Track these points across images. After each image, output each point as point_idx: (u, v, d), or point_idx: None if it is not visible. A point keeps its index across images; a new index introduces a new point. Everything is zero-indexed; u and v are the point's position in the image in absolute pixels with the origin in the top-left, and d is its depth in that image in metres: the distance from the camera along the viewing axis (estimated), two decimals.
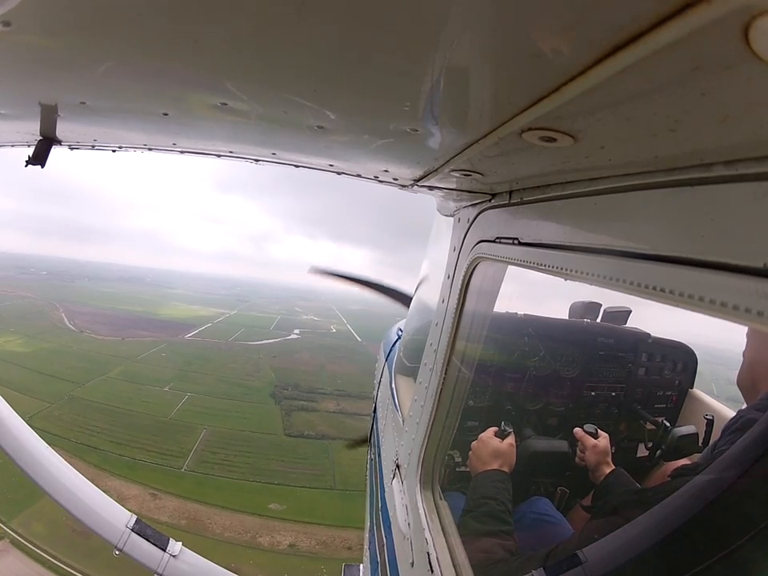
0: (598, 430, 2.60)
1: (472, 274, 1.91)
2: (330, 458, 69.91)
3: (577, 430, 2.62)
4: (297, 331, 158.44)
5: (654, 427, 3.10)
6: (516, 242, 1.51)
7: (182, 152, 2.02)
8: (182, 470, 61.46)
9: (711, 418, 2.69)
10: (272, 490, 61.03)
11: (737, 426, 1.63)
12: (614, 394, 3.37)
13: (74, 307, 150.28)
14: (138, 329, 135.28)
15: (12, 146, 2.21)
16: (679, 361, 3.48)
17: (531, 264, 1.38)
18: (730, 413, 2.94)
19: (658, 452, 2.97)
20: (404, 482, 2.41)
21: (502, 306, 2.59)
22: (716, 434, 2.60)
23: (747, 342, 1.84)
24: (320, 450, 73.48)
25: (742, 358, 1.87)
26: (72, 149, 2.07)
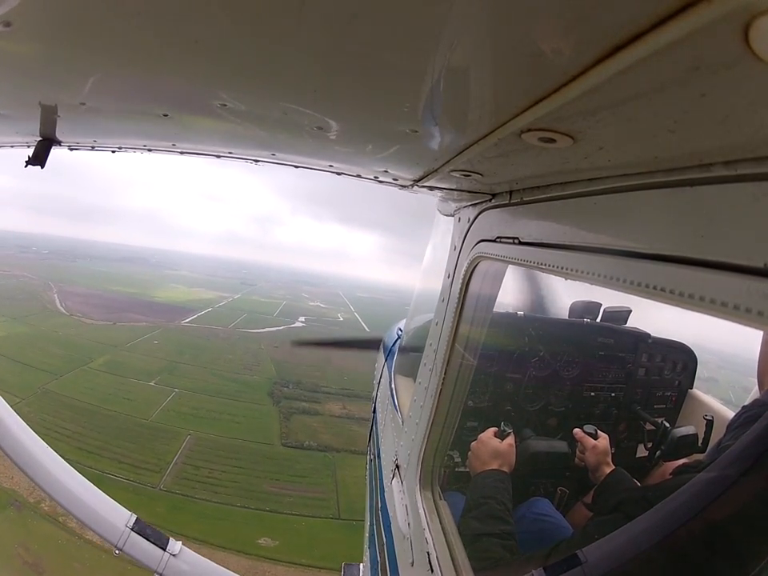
0: (598, 431, 2.60)
1: (472, 273, 1.91)
2: (333, 476, 57.68)
3: (576, 430, 2.62)
4: (302, 319, 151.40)
5: (653, 427, 3.10)
6: (516, 241, 1.51)
7: (181, 153, 2.02)
8: (157, 489, 50.23)
9: (711, 418, 2.70)
10: (263, 519, 49.20)
11: (740, 422, 1.63)
12: (613, 394, 3.37)
13: (70, 288, 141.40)
14: (132, 312, 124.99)
15: (12, 146, 2.21)
16: (679, 361, 3.48)
17: (531, 263, 1.38)
18: (730, 413, 2.94)
19: (658, 452, 2.97)
20: (404, 482, 2.41)
21: (502, 305, 2.59)
22: (716, 435, 2.61)
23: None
24: (322, 466, 61.07)
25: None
26: (72, 149, 2.07)
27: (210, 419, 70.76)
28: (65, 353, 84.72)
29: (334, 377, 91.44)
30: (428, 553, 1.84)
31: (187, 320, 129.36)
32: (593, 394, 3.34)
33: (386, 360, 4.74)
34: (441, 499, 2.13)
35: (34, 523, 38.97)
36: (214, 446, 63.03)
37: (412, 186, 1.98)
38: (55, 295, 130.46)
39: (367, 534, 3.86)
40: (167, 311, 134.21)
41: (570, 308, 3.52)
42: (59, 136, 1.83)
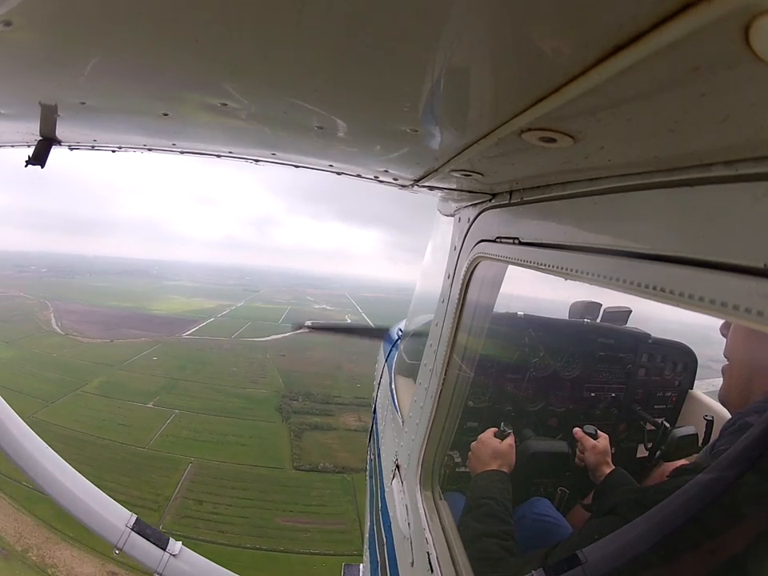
0: (598, 431, 2.61)
1: (472, 273, 1.91)
2: (354, 502, 49.47)
3: (576, 430, 2.62)
4: (308, 323, 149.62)
5: (653, 428, 3.11)
6: (516, 241, 1.51)
7: (181, 152, 2.02)
8: None
9: (711, 418, 2.70)
10: (277, 561, 42.47)
11: (735, 426, 1.63)
12: (613, 394, 3.37)
13: (67, 306, 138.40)
14: (131, 327, 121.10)
15: (12, 146, 2.21)
16: (679, 361, 3.48)
17: (531, 263, 1.38)
18: (729, 414, 2.94)
19: (658, 452, 2.97)
20: (404, 483, 2.41)
21: (502, 305, 2.59)
22: (715, 435, 2.60)
23: (731, 360, 1.82)
24: (340, 490, 53.71)
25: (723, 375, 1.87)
26: (72, 149, 2.07)
27: (214, 443, 64.35)
28: (58, 376, 79.74)
29: (346, 385, 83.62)
30: (428, 553, 1.84)
31: (188, 332, 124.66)
32: (593, 394, 3.34)
33: (386, 361, 4.74)
34: (441, 499, 2.13)
35: (22, 574, 36.32)
36: (219, 474, 56.50)
37: (412, 185, 1.98)
38: (51, 314, 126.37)
39: (367, 535, 3.86)
40: (167, 324, 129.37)
41: (570, 308, 3.53)
42: (59, 135, 1.83)
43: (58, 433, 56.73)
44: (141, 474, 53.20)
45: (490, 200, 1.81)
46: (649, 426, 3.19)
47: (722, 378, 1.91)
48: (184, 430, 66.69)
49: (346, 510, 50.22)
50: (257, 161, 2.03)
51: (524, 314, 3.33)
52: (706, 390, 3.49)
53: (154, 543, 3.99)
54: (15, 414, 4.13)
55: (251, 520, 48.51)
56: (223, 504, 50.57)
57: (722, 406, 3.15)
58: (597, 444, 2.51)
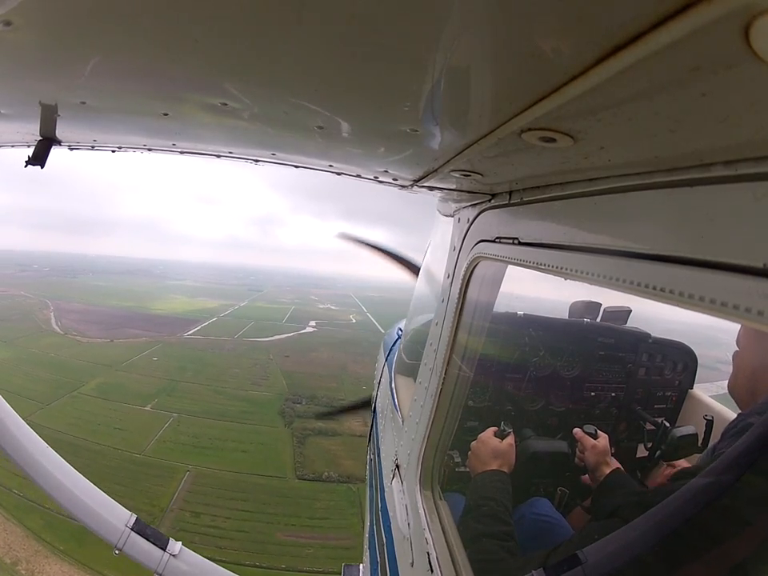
0: (598, 431, 2.61)
1: (472, 273, 1.91)
2: (359, 515, 45.18)
3: (576, 430, 2.62)
4: (312, 323, 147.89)
5: (653, 427, 3.11)
6: (516, 241, 1.51)
7: (181, 152, 2.02)
8: None
9: (711, 418, 2.70)
10: None
11: (737, 429, 1.63)
12: (613, 394, 3.37)
13: (68, 305, 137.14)
14: (132, 327, 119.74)
15: (12, 146, 2.21)
16: (679, 361, 3.49)
17: (531, 264, 1.38)
18: (729, 413, 2.94)
19: (658, 452, 2.97)
20: (404, 482, 2.41)
21: (501, 305, 2.59)
22: (715, 435, 2.61)
23: (741, 347, 1.83)
24: (346, 502, 50.71)
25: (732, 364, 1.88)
26: (72, 149, 2.07)
27: (213, 449, 61.69)
28: (54, 377, 77.32)
29: (351, 387, 78.74)
30: (428, 553, 1.84)
31: (190, 332, 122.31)
32: (593, 393, 3.34)
33: (386, 360, 4.74)
34: (441, 499, 2.13)
35: None
36: (217, 483, 53.67)
37: (412, 186, 1.98)
38: (51, 313, 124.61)
39: (367, 535, 3.86)
40: (169, 324, 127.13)
41: (570, 308, 3.53)
42: (59, 135, 1.83)
43: (51, 437, 51.66)
44: (136, 482, 50.60)
45: (490, 200, 1.81)
46: (649, 426, 3.19)
47: (723, 382, 1.92)
48: (182, 435, 64.26)
49: (352, 524, 46.46)
50: (257, 161, 2.03)
51: (524, 314, 3.33)
52: (716, 393, 3.49)
53: (153, 543, 3.98)
54: (15, 413, 4.13)
55: (251, 534, 46.11)
56: (221, 517, 48.10)
57: (721, 406, 3.16)
58: (597, 443, 2.51)
